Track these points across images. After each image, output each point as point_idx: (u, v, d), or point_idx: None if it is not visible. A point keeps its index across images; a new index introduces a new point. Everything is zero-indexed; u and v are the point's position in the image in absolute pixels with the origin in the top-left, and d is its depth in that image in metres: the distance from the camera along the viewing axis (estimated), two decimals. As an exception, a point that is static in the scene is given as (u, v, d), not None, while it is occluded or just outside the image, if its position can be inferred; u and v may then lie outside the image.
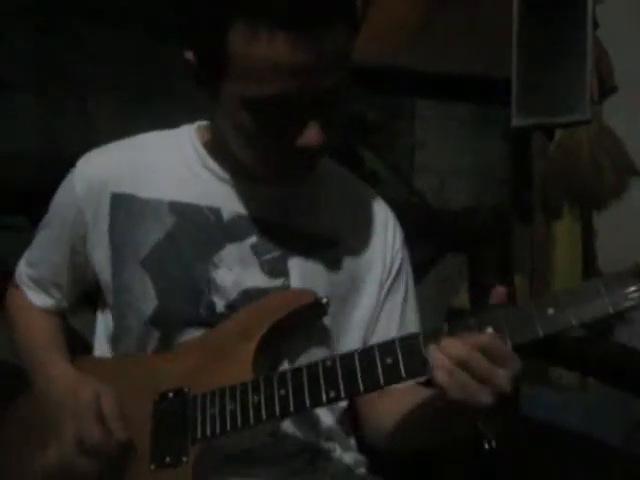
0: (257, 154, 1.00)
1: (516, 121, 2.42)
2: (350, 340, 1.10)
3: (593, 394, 2.46)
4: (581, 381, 2.53)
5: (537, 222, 2.62)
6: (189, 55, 0.96)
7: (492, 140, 2.74)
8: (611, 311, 0.84)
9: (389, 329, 1.13)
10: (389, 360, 0.88)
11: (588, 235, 2.63)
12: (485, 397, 0.82)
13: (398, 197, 2.50)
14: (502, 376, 0.83)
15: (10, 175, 2.03)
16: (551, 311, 0.85)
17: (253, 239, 1.07)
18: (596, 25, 2.33)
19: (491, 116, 2.68)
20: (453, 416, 0.90)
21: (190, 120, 1.15)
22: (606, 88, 2.43)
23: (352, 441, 1.15)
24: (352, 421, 1.16)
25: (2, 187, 1.94)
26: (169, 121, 1.16)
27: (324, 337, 1.09)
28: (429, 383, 0.90)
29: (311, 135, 0.94)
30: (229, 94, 0.94)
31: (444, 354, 0.83)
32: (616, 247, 2.58)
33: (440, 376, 0.83)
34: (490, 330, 0.85)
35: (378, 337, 1.11)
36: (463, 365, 0.82)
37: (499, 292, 0.90)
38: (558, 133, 2.47)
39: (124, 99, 2.44)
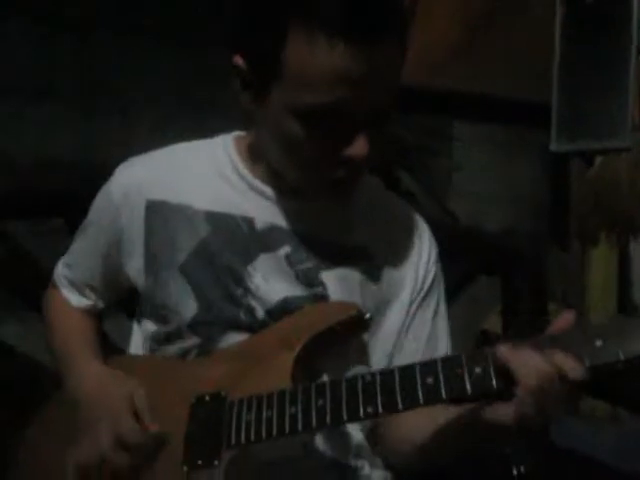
0: (300, 164, 0.99)
1: (555, 146, 2.40)
2: (376, 353, 1.10)
3: (624, 425, 2.42)
4: (612, 412, 2.49)
5: (573, 249, 2.60)
6: (238, 60, 0.97)
7: (530, 164, 2.73)
8: None
9: (417, 345, 1.12)
10: (430, 380, 0.87)
11: (624, 264, 2.60)
12: (542, 419, 0.83)
13: (433, 218, 2.49)
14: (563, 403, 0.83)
15: (52, 181, 2.06)
16: (599, 343, 0.83)
17: (287, 249, 1.07)
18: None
19: (529, 140, 2.66)
20: (482, 433, 0.91)
21: (228, 133, 1.16)
22: (648, 115, 2.41)
23: (379, 458, 1.13)
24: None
25: (44, 192, 1.97)
26: (207, 134, 1.17)
27: (363, 352, 1.09)
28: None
29: (359, 146, 0.94)
30: (278, 101, 0.94)
31: (529, 368, 0.82)
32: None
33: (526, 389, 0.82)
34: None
35: (405, 353, 1.11)
36: (547, 383, 0.81)
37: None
38: (597, 159, 2.45)
39: (164, 113, 2.46)
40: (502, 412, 0.87)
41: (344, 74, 0.88)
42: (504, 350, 0.84)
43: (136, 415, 0.98)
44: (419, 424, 1.03)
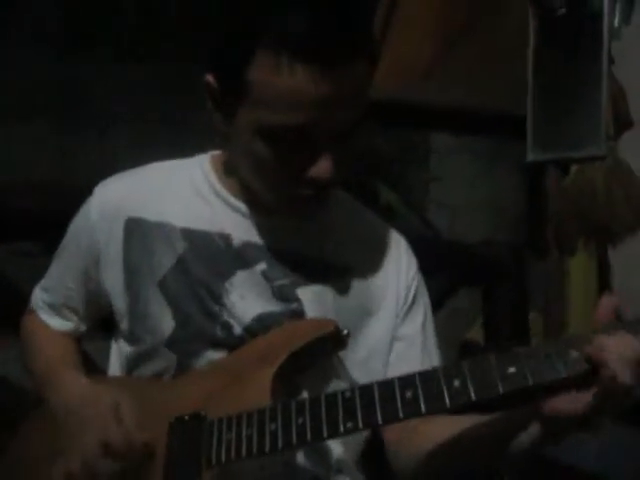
0: (267, 182, 1.01)
1: (531, 156, 2.42)
2: (369, 367, 1.09)
3: (608, 432, 2.42)
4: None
5: (552, 258, 2.61)
6: (210, 78, 0.98)
7: (507, 175, 2.75)
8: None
9: (411, 355, 1.12)
10: (409, 394, 0.88)
11: (603, 271, 2.61)
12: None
13: (413, 231, 2.49)
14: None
15: (27, 203, 2.05)
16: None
17: (263, 265, 1.07)
18: (612, 61, 2.33)
19: (506, 150, 2.69)
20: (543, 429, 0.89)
21: (207, 151, 1.16)
22: (621, 123, 2.43)
23: (362, 476, 1.13)
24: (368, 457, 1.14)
25: (18, 214, 1.95)
26: (186, 152, 1.18)
27: (342, 368, 1.08)
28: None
29: (323, 167, 0.95)
30: (245, 121, 0.95)
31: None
32: (632, 283, 2.56)
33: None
34: None
35: (400, 364, 1.10)
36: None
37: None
38: (573, 168, 2.46)
39: (141, 130, 2.46)
40: (571, 402, 0.84)
41: (307, 96, 0.89)
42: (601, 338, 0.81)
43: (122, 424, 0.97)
44: (451, 433, 1.01)
